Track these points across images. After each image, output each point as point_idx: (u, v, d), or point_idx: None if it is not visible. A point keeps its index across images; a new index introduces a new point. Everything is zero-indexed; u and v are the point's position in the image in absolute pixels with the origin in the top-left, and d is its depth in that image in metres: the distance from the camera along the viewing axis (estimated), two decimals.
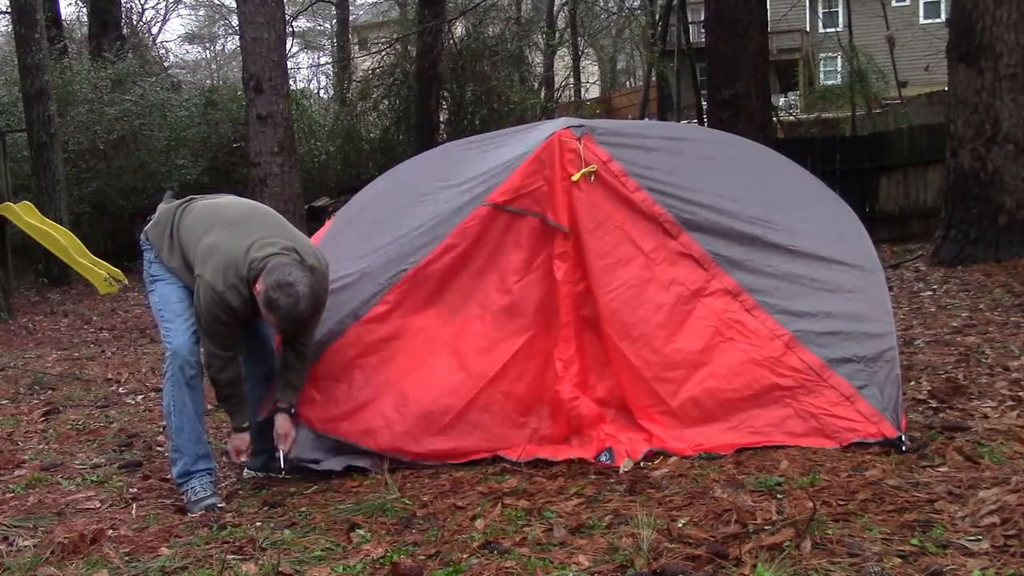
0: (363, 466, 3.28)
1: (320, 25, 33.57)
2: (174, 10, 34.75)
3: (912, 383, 3.86)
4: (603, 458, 3.14)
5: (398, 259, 3.38)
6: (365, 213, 3.89)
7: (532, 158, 3.39)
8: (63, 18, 19.74)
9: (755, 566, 2.10)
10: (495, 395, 3.25)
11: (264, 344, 3.40)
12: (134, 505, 3.16)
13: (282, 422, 3.22)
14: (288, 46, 17.05)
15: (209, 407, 3.55)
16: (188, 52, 37.46)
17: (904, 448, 2.93)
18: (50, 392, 5.46)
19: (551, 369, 3.28)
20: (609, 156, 3.40)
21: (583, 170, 3.35)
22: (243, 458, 3.27)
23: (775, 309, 3.23)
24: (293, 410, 3.24)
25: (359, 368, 3.30)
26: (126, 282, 8.20)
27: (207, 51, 38.48)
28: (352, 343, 3.30)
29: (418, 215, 3.49)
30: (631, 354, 3.25)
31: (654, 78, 20.89)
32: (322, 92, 29.33)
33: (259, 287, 2.92)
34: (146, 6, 30.12)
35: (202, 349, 3.13)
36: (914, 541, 2.19)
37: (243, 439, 3.22)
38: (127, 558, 2.54)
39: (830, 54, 26.06)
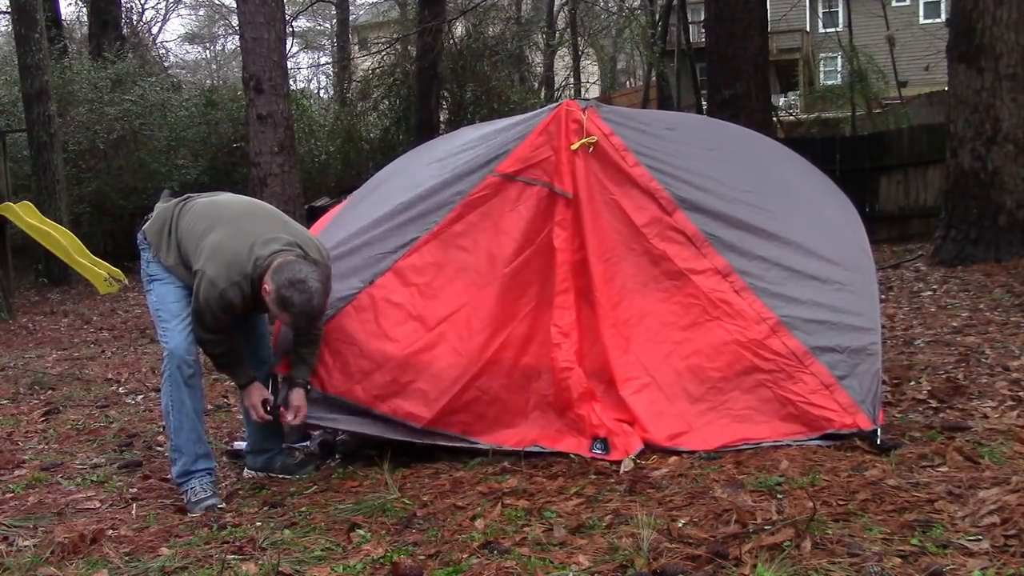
0: (367, 432, 3.31)
1: (320, 25, 33.58)
2: (174, 10, 34.71)
3: (912, 383, 3.86)
4: (596, 448, 3.15)
5: (408, 227, 3.41)
6: (378, 188, 3.94)
7: (539, 129, 3.46)
8: (63, 18, 19.76)
9: (755, 566, 2.09)
10: (504, 361, 3.29)
11: (261, 340, 3.41)
12: (134, 505, 3.16)
13: (296, 396, 3.20)
14: (288, 46, 17.08)
15: (209, 407, 3.55)
16: (188, 52, 37.50)
17: (879, 442, 2.95)
18: (50, 392, 5.46)
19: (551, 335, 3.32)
20: (611, 131, 3.45)
21: (583, 140, 3.40)
22: (264, 411, 3.24)
23: (764, 293, 3.24)
24: (309, 386, 3.24)
25: (369, 334, 3.31)
26: (126, 282, 8.18)
27: (207, 51, 38.51)
28: (362, 309, 3.32)
29: (426, 184, 3.51)
30: (619, 323, 3.30)
31: (654, 78, 20.94)
32: (322, 92, 29.38)
33: (268, 287, 2.91)
34: (146, 6, 30.14)
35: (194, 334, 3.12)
36: (914, 541, 2.18)
37: (255, 391, 3.22)
38: (127, 558, 2.54)
39: (830, 54, 26.08)
